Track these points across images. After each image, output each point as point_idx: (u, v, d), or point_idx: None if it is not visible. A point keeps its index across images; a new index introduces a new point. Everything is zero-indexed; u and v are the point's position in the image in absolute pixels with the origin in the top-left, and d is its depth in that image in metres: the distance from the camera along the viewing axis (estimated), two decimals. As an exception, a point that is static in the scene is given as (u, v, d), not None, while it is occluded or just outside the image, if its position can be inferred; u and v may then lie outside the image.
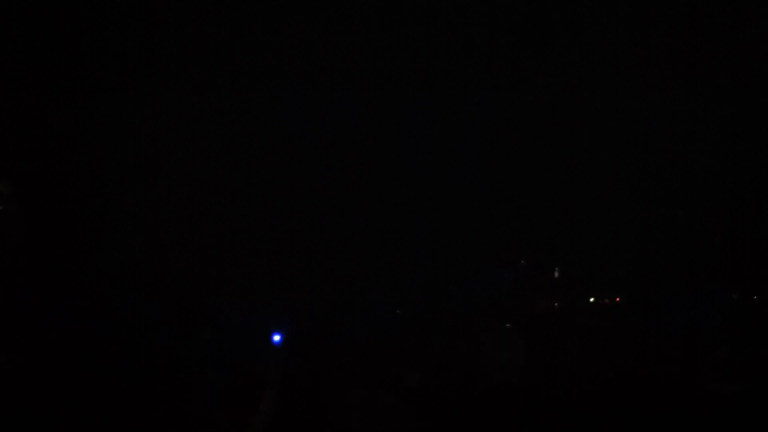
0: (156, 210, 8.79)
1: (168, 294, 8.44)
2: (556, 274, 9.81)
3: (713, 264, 8.94)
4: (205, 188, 9.45)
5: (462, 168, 10.34)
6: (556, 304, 9.60)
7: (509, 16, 8.84)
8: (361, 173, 10.26)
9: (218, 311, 8.36)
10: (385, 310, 8.33)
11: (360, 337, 7.38)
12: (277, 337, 6.50)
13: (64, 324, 7.18)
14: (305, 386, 3.29)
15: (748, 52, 8.52)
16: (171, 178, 8.96)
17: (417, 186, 10.32)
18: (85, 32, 8.01)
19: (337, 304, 9.20)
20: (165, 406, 3.26)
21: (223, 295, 8.78)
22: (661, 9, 8.61)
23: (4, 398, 3.45)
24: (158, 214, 8.81)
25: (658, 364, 4.20)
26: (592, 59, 9.45)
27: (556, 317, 9.31)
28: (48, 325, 6.97)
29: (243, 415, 3.31)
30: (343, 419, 3.40)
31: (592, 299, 9.58)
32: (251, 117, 9.95)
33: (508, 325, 4.06)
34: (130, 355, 4.26)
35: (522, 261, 9.50)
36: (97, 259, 8.23)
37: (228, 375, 3.72)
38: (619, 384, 3.59)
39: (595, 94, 9.76)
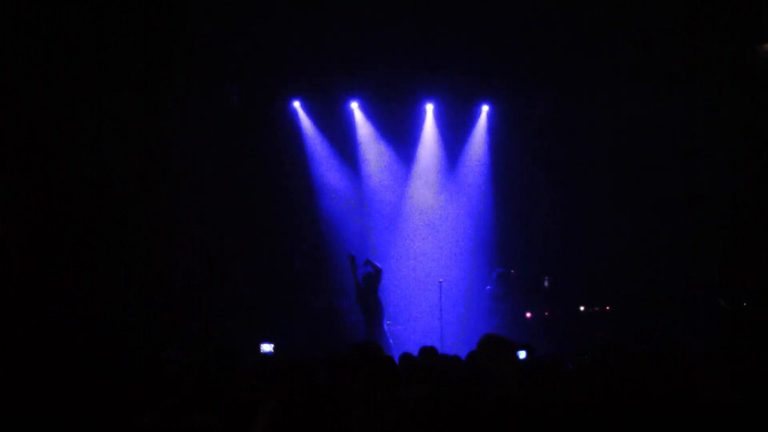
0: (151, 216, 8.70)
1: (160, 304, 8.35)
2: (546, 284, 9.82)
3: (707, 271, 8.97)
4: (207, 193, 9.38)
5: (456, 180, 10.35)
6: (546, 312, 9.60)
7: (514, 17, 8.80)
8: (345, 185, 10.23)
9: (211, 324, 8.27)
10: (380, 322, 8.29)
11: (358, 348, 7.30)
12: (267, 347, 6.41)
13: (62, 324, 7.06)
14: (304, 401, 3.21)
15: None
16: (171, 182, 8.91)
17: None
18: (87, 31, 7.91)
19: (333, 314, 9.15)
20: (163, 420, 3.16)
21: (216, 306, 8.70)
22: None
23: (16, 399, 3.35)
24: (153, 220, 8.71)
25: (654, 374, 4.16)
26: (580, 65, 9.46)
27: (547, 326, 9.31)
28: (46, 326, 6.84)
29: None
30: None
31: (582, 308, 9.59)
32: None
33: (502, 335, 4.02)
34: (122, 365, 4.15)
35: (512, 271, 9.48)
36: (94, 261, 8.11)
37: (222, 388, 3.64)
38: (616, 393, 3.54)
39: (589, 103, 9.78)
